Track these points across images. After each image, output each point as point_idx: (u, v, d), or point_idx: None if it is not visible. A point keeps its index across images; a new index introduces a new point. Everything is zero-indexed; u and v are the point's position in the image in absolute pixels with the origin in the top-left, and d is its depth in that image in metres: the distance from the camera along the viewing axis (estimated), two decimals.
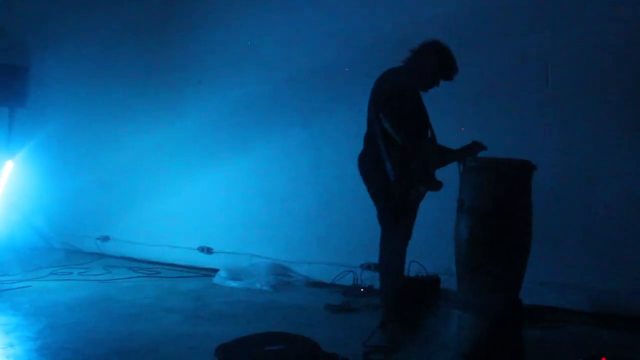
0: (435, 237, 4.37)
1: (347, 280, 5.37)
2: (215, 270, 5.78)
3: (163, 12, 6.43)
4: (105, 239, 6.79)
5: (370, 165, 3.99)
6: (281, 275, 5.66)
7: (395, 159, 3.77)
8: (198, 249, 6.27)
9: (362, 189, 4.85)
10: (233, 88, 6.00)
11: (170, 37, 6.35)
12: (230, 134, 6.01)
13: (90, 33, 6.71)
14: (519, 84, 4.82)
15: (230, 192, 6.04)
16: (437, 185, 3.76)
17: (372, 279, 5.24)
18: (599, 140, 4.58)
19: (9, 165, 7.02)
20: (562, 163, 4.60)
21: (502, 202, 3.15)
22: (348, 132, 5.31)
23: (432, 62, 3.94)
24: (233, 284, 5.50)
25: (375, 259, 5.17)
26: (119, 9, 6.57)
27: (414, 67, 3.99)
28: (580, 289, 4.62)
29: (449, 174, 3.70)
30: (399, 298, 3.95)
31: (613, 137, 4.56)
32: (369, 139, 4.03)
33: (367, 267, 5.32)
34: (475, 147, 3.85)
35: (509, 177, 3.22)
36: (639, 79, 4.48)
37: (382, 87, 3.92)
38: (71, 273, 5.85)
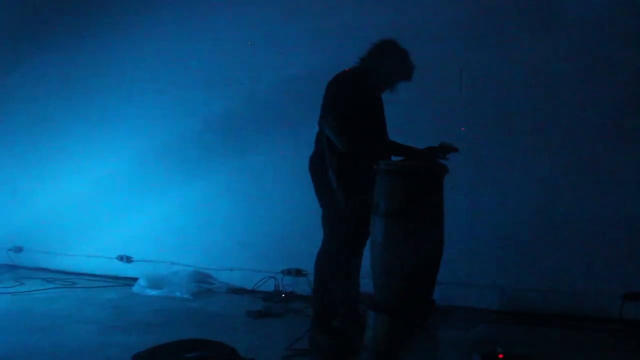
0: None
1: (269, 286, 5.37)
2: (135, 279, 5.66)
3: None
4: (19, 249, 6.54)
5: (315, 168, 3.88)
6: (202, 283, 5.60)
7: (337, 166, 3.66)
8: (117, 257, 6.13)
9: (282, 195, 4.88)
10: (152, 93, 5.92)
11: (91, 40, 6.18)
12: (148, 142, 5.90)
13: None
14: (435, 89, 4.94)
15: (149, 200, 5.92)
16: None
17: (293, 284, 5.27)
18: (510, 143, 4.75)
19: None
20: (475, 165, 4.74)
21: (413, 205, 3.21)
22: (269, 139, 5.34)
23: (391, 63, 3.80)
24: (153, 292, 5.40)
25: (296, 264, 5.28)
26: None
27: (372, 68, 3.82)
28: (495, 289, 4.78)
29: None
30: (324, 306, 3.89)
31: (522, 140, 4.74)
32: (317, 140, 3.87)
33: (289, 272, 5.34)
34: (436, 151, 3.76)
35: (420, 180, 3.29)
36: (546, 87, 4.69)
37: (331, 90, 3.75)
38: None
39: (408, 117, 4.38)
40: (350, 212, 3.65)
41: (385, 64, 3.82)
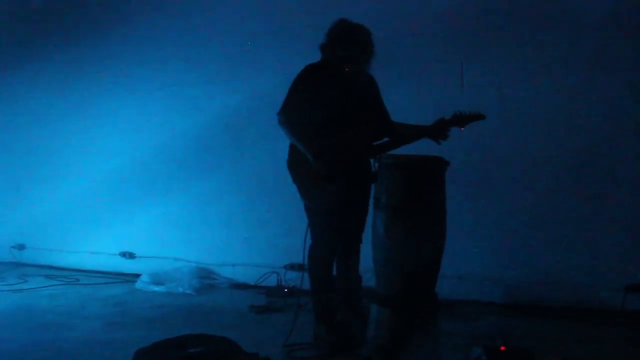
0: None
1: (272, 281, 5.38)
2: (138, 276, 5.67)
3: None
4: (21, 247, 6.54)
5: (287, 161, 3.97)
6: (205, 278, 5.60)
7: (288, 159, 3.87)
8: (120, 254, 6.14)
9: (283, 190, 4.85)
10: (153, 90, 5.92)
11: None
12: (150, 139, 5.90)
13: None
14: (435, 86, 4.93)
15: (151, 197, 5.92)
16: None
17: (296, 279, 5.24)
18: (509, 136, 4.75)
19: None
20: (473, 158, 4.74)
21: (414, 199, 3.22)
22: (271, 135, 5.32)
23: (348, 41, 3.72)
24: (156, 288, 5.41)
25: (298, 259, 5.26)
26: None
27: (333, 53, 3.78)
28: (496, 282, 4.79)
29: None
30: (320, 298, 3.93)
31: (524, 136, 4.74)
32: None
33: (291, 267, 5.34)
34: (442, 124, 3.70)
35: (421, 173, 3.29)
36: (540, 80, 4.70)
37: None
38: None
39: (408, 116, 4.37)
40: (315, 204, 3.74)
41: (343, 45, 3.73)
